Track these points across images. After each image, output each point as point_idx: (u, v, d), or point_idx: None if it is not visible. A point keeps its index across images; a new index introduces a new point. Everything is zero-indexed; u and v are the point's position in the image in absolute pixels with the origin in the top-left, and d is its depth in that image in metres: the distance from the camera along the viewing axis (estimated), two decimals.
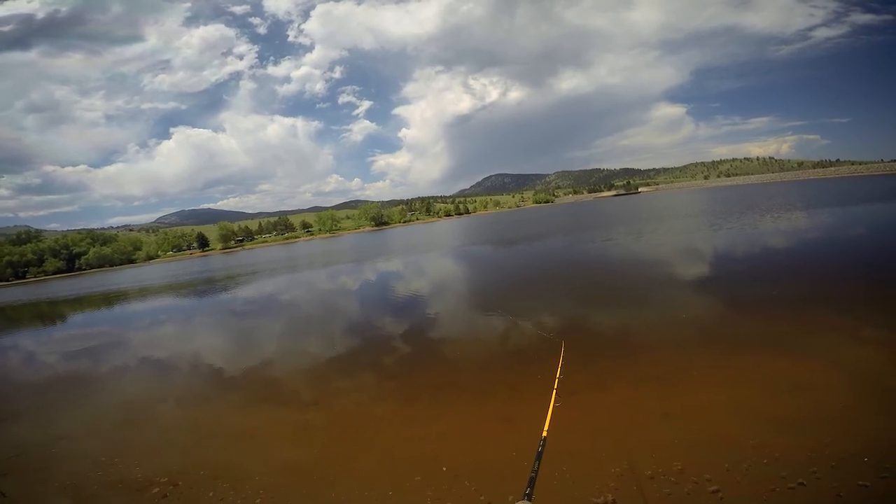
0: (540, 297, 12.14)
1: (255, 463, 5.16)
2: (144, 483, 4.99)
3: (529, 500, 1.84)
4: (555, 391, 3.28)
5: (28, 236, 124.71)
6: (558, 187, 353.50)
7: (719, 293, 9.95)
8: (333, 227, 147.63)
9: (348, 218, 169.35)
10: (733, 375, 5.70)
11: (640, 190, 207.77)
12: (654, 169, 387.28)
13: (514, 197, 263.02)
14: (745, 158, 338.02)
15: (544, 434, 2.54)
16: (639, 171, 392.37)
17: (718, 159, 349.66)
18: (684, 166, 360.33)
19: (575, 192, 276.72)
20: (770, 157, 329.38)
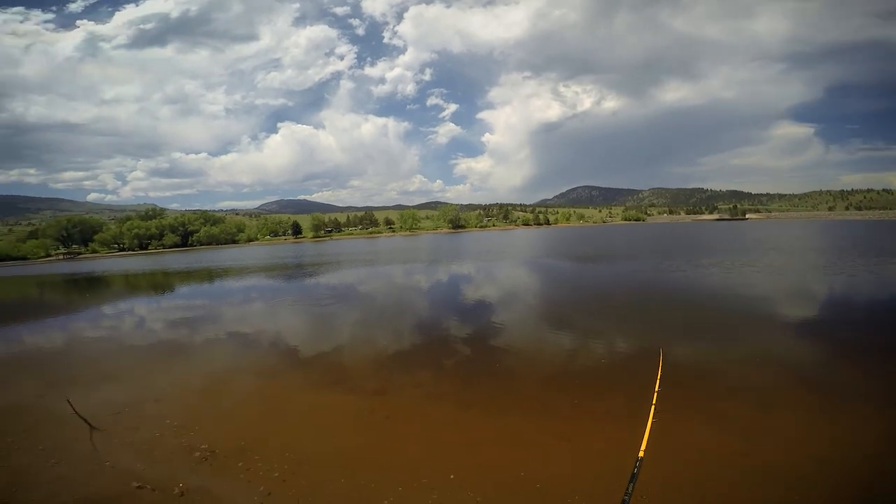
0: (618, 320, 11.36)
1: (312, 442, 5.46)
2: (207, 449, 5.39)
3: None
4: (653, 407, 3.00)
5: (154, 213, 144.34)
6: (652, 205, 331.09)
7: (830, 339, 8.65)
8: (413, 226, 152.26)
9: (427, 218, 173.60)
10: (831, 430, 5.09)
11: (747, 216, 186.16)
12: (767, 194, 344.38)
13: (600, 211, 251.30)
14: (883, 190, 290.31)
15: (640, 454, 2.34)
16: (749, 194, 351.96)
17: (849, 188, 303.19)
18: (805, 194, 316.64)
19: (671, 212, 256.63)
20: None
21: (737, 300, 12.89)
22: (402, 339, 10.37)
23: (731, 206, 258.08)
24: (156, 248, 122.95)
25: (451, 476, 4.54)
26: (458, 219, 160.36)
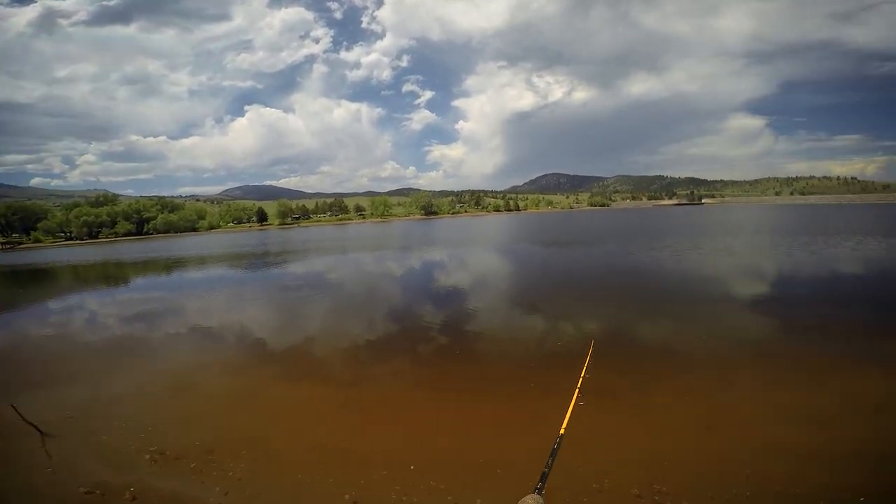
0: (582, 301, 12.14)
1: (277, 439, 5.33)
2: (157, 450, 5.19)
3: (540, 494, 1.79)
4: (577, 390, 3.17)
5: (105, 199, 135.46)
6: (616, 191, 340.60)
7: (777, 313, 9.56)
8: (385, 213, 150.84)
9: (399, 205, 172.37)
10: (778, 396, 5.66)
11: (703, 201, 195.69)
12: (721, 181, 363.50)
13: (568, 198, 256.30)
14: (823, 177, 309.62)
15: (562, 431, 2.46)
16: (705, 181, 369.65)
17: (794, 176, 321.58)
18: (756, 180, 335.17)
19: (633, 198, 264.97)
20: (852, 178, 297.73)
21: (681, 282, 14.13)
22: (375, 329, 10.34)
23: (689, 192, 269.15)
24: (107, 237, 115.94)
25: (412, 467, 4.54)
26: (430, 205, 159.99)
